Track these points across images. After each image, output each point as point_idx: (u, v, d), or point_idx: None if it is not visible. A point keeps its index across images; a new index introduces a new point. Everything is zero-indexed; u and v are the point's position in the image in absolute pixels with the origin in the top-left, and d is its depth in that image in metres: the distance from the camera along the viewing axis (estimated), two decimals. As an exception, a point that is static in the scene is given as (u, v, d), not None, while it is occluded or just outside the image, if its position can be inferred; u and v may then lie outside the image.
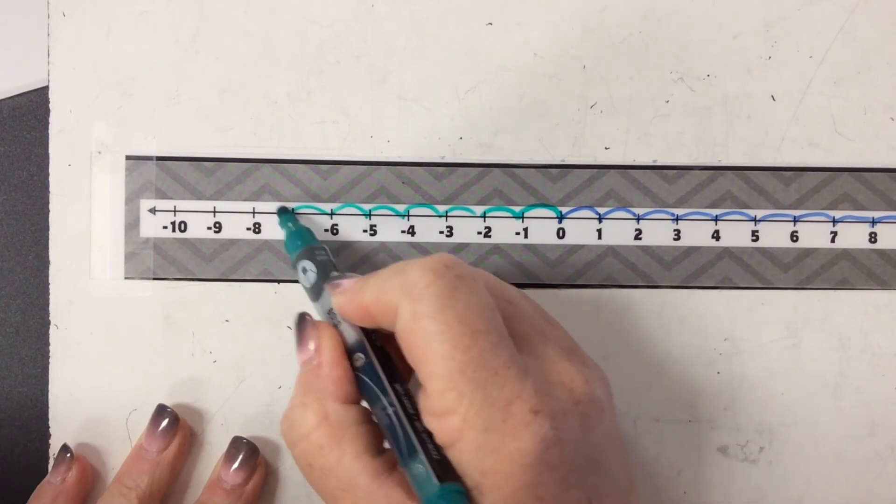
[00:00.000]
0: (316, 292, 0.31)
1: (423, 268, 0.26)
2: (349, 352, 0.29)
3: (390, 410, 0.27)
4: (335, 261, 0.32)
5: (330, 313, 0.30)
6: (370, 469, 0.26)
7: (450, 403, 0.25)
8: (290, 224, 0.33)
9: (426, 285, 0.26)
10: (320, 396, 0.28)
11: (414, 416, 0.27)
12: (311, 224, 0.34)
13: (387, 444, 0.28)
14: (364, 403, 0.28)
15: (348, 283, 0.29)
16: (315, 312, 0.31)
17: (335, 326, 0.30)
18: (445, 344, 0.25)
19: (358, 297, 0.28)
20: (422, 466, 0.25)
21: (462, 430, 0.25)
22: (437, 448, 0.26)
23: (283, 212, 0.34)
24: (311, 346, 0.29)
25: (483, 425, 0.24)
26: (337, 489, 0.27)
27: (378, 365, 0.28)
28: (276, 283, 0.34)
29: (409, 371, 0.27)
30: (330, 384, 0.28)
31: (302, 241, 0.32)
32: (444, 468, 0.25)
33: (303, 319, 0.30)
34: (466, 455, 0.25)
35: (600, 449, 0.26)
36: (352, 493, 0.26)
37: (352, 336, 0.29)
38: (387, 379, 0.28)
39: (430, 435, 0.26)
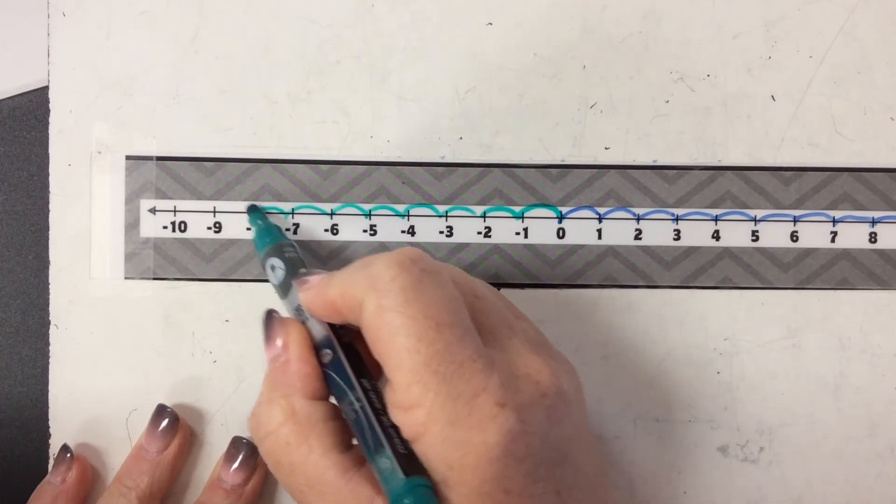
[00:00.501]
0: (284, 289, 0.31)
1: (388, 262, 0.26)
2: (317, 348, 0.29)
3: (357, 406, 0.27)
4: (303, 257, 0.32)
5: (298, 310, 0.30)
6: (338, 465, 0.26)
7: (415, 397, 0.25)
8: (259, 222, 0.33)
9: (391, 279, 0.26)
10: (287, 393, 0.28)
11: (381, 411, 0.27)
12: (282, 222, 0.34)
13: (355, 441, 0.28)
14: (332, 400, 0.28)
15: (315, 279, 0.29)
16: (283, 310, 0.31)
17: (303, 323, 0.30)
18: (411, 337, 0.25)
19: (324, 293, 0.28)
20: (388, 461, 0.25)
21: (428, 423, 0.25)
22: (404, 442, 0.26)
23: (252, 209, 0.34)
24: (279, 342, 0.29)
25: (449, 418, 0.24)
26: (305, 485, 0.27)
27: (345, 360, 0.28)
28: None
29: (379, 367, 0.27)
30: (297, 380, 0.28)
31: (271, 238, 0.33)
32: (410, 462, 0.25)
33: (270, 316, 0.30)
34: (433, 448, 0.25)
35: (568, 441, 0.26)
36: (319, 489, 0.26)
37: (319, 332, 0.29)
38: (354, 374, 0.28)
39: (396, 430, 0.26)
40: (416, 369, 0.25)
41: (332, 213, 0.35)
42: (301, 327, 0.29)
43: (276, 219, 0.34)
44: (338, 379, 0.28)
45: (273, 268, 0.31)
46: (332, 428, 0.27)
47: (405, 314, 0.25)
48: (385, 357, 0.26)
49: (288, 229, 0.34)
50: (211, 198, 0.35)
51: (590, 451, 0.27)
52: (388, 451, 0.25)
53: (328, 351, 0.29)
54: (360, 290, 0.26)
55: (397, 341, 0.25)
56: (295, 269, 0.31)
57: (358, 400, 0.27)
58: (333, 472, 0.26)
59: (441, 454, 0.25)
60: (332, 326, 0.29)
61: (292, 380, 0.28)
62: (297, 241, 0.34)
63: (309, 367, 0.28)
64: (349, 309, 0.27)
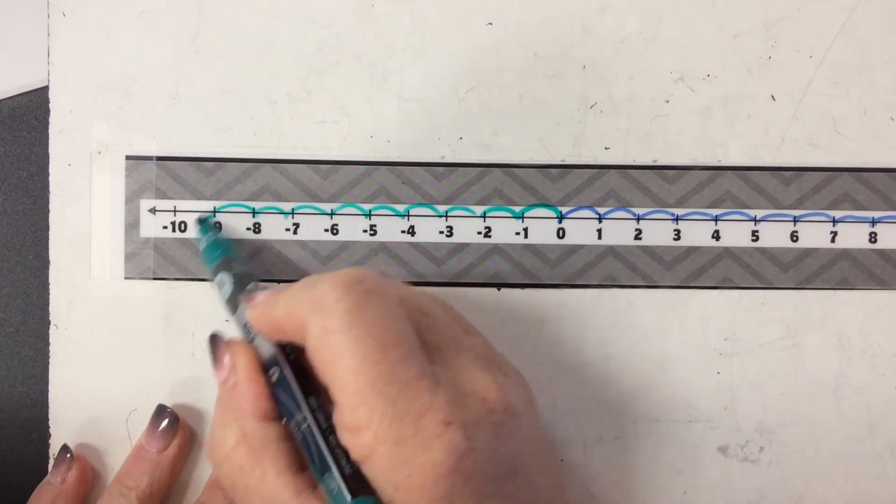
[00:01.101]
0: (232, 305, 0.30)
1: (332, 282, 0.26)
2: (265, 367, 0.29)
3: (304, 426, 0.27)
4: (253, 272, 0.32)
5: (246, 327, 0.30)
6: (292, 486, 0.26)
7: (361, 419, 0.25)
8: (209, 234, 0.33)
9: (335, 300, 0.25)
10: (239, 416, 0.28)
11: (328, 430, 0.26)
12: (282, 222, 0.34)
13: None
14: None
15: (261, 297, 0.28)
16: (234, 326, 0.30)
17: (251, 341, 0.29)
18: (355, 359, 0.25)
19: (269, 312, 0.27)
20: (335, 481, 0.25)
21: (374, 444, 0.24)
22: (351, 463, 0.25)
23: (202, 222, 0.34)
24: (227, 364, 0.29)
25: (395, 439, 0.24)
26: None
27: (292, 379, 0.28)
28: (275, 283, 0.34)
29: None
30: (246, 402, 0.28)
31: (220, 251, 0.32)
32: (357, 482, 0.25)
33: (215, 339, 0.30)
34: (380, 469, 0.25)
35: (519, 457, 0.26)
36: None
37: (267, 350, 0.29)
38: (301, 393, 0.27)
39: (344, 450, 0.26)
40: (360, 391, 0.25)
41: (332, 213, 0.35)
42: (247, 348, 0.29)
43: (275, 219, 0.34)
44: (285, 398, 0.28)
45: (222, 283, 0.31)
46: (286, 449, 0.27)
47: (349, 335, 0.25)
48: (330, 379, 0.25)
49: (288, 229, 0.34)
50: (211, 198, 0.35)
51: (544, 465, 0.27)
52: (335, 471, 0.25)
53: (276, 369, 0.28)
54: (304, 311, 0.26)
55: (342, 363, 0.25)
56: (243, 285, 0.30)
57: (304, 420, 0.27)
58: (287, 494, 0.26)
59: (388, 475, 0.25)
60: (280, 343, 0.29)
61: (242, 402, 0.28)
62: (297, 242, 0.34)
63: (258, 387, 0.28)
64: (294, 329, 0.27)
